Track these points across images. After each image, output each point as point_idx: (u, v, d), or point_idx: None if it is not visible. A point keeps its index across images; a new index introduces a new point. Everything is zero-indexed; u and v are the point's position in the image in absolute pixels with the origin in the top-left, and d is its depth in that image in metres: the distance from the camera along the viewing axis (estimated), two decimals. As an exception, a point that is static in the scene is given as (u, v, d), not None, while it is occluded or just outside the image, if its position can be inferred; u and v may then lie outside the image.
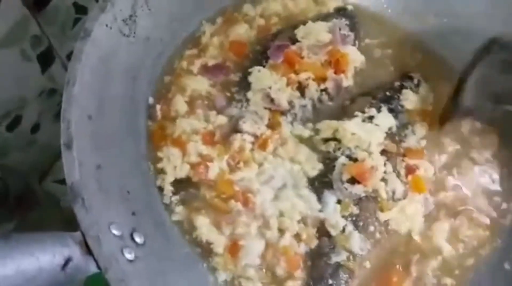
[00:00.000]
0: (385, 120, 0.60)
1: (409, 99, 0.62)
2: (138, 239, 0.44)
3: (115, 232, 0.42)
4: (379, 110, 0.60)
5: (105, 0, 0.51)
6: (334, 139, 0.58)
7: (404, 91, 0.63)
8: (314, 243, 0.53)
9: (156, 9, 0.57)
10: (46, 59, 0.67)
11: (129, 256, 0.41)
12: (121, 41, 0.53)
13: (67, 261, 0.34)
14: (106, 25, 0.51)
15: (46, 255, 0.33)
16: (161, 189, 0.54)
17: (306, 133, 0.59)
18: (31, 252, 0.32)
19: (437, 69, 0.68)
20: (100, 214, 0.41)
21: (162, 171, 0.54)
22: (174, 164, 0.54)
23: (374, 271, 0.54)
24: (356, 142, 0.57)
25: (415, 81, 0.65)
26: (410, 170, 0.58)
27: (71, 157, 0.42)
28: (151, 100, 0.58)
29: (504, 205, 0.60)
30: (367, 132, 0.58)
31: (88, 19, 0.49)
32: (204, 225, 0.52)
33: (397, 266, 0.55)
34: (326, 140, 0.58)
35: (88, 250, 0.38)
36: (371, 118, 0.60)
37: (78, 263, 0.35)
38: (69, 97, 0.45)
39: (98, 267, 0.38)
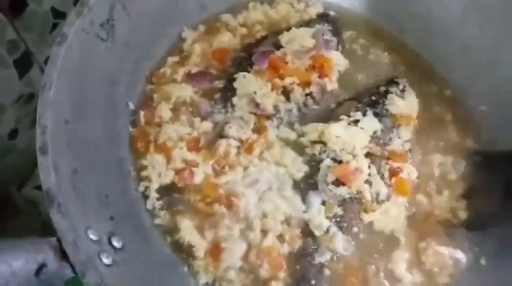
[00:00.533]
0: (370, 123, 0.61)
1: (394, 104, 0.63)
2: (116, 244, 0.44)
3: (92, 236, 0.41)
4: (364, 114, 0.61)
5: (82, 5, 0.51)
6: (320, 142, 0.59)
7: (389, 95, 0.64)
8: (298, 243, 0.54)
9: (135, 14, 0.57)
10: (23, 65, 0.66)
11: (106, 260, 0.41)
12: (99, 45, 0.53)
13: (41, 266, 0.33)
14: (83, 30, 0.50)
15: (19, 261, 0.32)
16: (144, 195, 0.54)
17: (292, 136, 0.60)
18: (4, 258, 0.31)
19: (422, 73, 0.69)
20: (77, 219, 0.41)
21: (146, 178, 0.55)
22: (159, 171, 0.55)
23: (358, 271, 0.55)
24: (341, 144, 0.58)
25: (401, 86, 0.66)
26: (394, 172, 0.59)
27: (47, 162, 0.41)
28: (131, 105, 0.58)
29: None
30: (352, 135, 0.59)
31: (65, 24, 0.49)
32: (187, 228, 0.52)
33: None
34: (312, 143, 0.59)
35: (64, 255, 0.38)
36: (356, 121, 0.60)
37: (53, 268, 0.35)
38: (45, 101, 0.44)
39: (75, 272, 0.37)
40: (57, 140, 0.44)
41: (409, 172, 0.60)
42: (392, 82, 0.66)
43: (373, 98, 0.63)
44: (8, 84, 0.65)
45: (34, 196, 0.75)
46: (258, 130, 0.58)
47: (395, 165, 0.59)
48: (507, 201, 0.56)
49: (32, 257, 0.33)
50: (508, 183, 0.57)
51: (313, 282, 0.52)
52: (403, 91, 0.65)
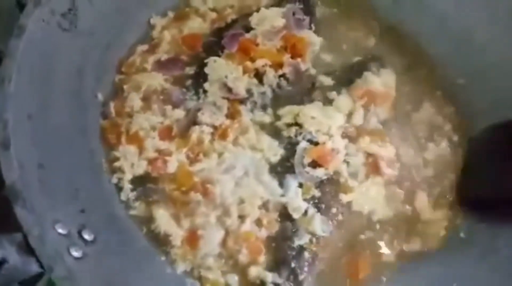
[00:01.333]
0: (345, 102, 0.60)
1: (370, 81, 0.62)
2: (87, 236, 0.43)
3: (60, 230, 0.41)
4: (339, 93, 0.60)
5: (40, -6, 0.50)
6: (296, 124, 0.58)
7: (364, 73, 0.63)
8: (276, 227, 0.53)
9: (98, 2, 0.56)
10: (-9, 61, 0.65)
11: (76, 254, 0.40)
12: (61, 36, 0.51)
13: (1, 263, 0.32)
14: (43, 20, 0.49)
15: (-24, 257, 0.32)
16: (118, 187, 0.53)
17: (267, 119, 0.59)
18: (-41, 255, 0.31)
19: (398, 48, 0.68)
20: (44, 214, 0.40)
21: (119, 170, 0.54)
22: (131, 162, 0.54)
23: (340, 252, 0.55)
24: (316, 125, 0.57)
25: (377, 63, 0.64)
26: (370, 152, 0.58)
27: (9, 157, 0.40)
28: (100, 96, 0.57)
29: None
30: (327, 115, 0.58)
31: (22, 15, 0.48)
32: (162, 217, 0.52)
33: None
34: (288, 125, 0.58)
35: (30, 250, 0.37)
36: (331, 101, 0.59)
37: (15, 264, 0.34)
38: (4, 96, 0.43)
39: (42, 266, 0.37)
40: (20, 135, 0.42)
41: (387, 150, 0.59)
42: (368, 59, 0.65)
43: (348, 76, 0.62)
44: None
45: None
46: (232, 115, 0.57)
47: (373, 144, 0.58)
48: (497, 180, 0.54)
49: (-10, 253, 0.33)
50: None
51: (293, 265, 0.52)
52: (379, 68, 0.64)
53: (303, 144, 0.56)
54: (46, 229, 0.39)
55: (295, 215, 0.54)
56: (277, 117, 0.59)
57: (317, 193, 0.55)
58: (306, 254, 0.53)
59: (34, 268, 0.36)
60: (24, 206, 0.39)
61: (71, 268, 0.38)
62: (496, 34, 0.63)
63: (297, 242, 0.53)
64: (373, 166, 0.58)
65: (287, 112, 0.59)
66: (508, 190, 0.52)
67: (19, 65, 0.45)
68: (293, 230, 0.53)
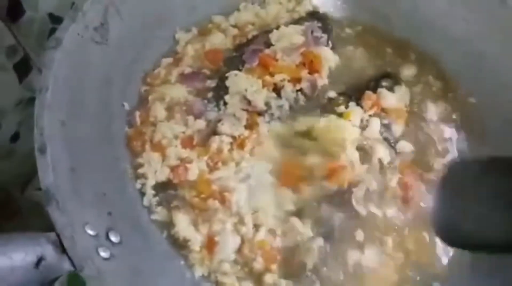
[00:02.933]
0: (355, 112, 0.61)
1: (384, 98, 0.64)
2: (114, 238, 0.45)
3: (90, 232, 0.43)
4: (346, 107, 0.62)
5: (76, 10, 0.53)
6: (310, 137, 0.60)
7: (379, 90, 0.65)
8: (290, 237, 0.55)
9: (128, 17, 0.59)
10: (23, 69, 0.68)
11: (104, 254, 0.43)
12: (94, 48, 0.55)
13: (40, 259, 0.35)
14: (78, 34, 0.52)
15: (19, 253, 0.34)
16: (141, 192, 0.56)
17: (283, 131, 0.61)
18: (4, 251, 0.33)
19: (413, 66, 0.70)
20: (75, 215, 0.43)
21: (142, 176, 0.56)
22: (155, 169, 0.56)
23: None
24: (331, 139, 0.59)
25: (391, 80, 0.67)
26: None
27: (45, 161, 0.43)
28: (126, 105, 0.60)
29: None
30: (341, 128, 0.60)
31: (59, 29, 0.51)
32: (182, 223, 0.54)
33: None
34: (302, 138, 0.60)
35: (64, 250, 0.39)
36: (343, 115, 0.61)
37: (52, 261, 0.37)
38: (42, 104, 0.46)
39: (73, 265, 0.39)
40: (54, 140, 0.45)
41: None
42: (382, 75, 0.67)
43: (362, 92, 0.64)
44: (8, 88, 0.67)
45: (37, 198, 0.77)
46: (250, 126, 0.60)
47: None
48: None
49: (31, 250, 0.35)
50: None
51: (308, 274, 0.53)
52: (393, 84, 0.67)
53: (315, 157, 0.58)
54: (77, 230, 0.42)
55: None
56: (293, 130, 0.61)
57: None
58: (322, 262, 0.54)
59: (67, 267, 0.38)
60: (57, 207, 0.41)
61: (100, 268, 0.41)
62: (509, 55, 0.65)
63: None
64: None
65: (302, 125, 0.61)
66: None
67: (55, 75, 0.48)
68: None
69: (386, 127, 0.63)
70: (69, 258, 0.39)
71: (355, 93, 0.65)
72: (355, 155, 0.58)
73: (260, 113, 0.61)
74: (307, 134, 0.61)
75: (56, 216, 0.41)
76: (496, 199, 0.47)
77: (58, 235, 0.40)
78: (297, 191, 0.56)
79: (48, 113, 0.46)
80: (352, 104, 0.63)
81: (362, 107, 0.63)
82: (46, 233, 0.39)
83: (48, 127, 0.45)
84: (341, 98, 0.64)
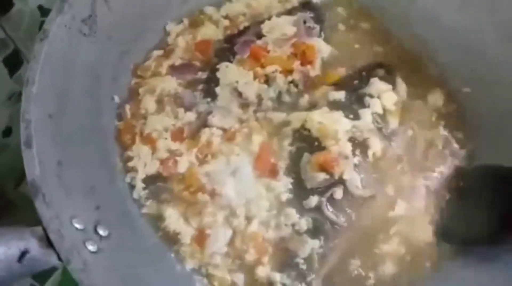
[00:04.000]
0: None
1: (376, 88, 0.63)
2: (102, 232, 0.45)
3: (77, 225, 0.43)
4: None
5: (63, 0, 0.52)
6: (303, 129, 0.59)
7: (371, 79, 0.64)
8: (283, 229, 0.55)
9: (117, 8, 0.58)
10: (13, 63, 0.68)
11: (91, 248, 0.42)
12: (82, 41, 0.54)
13: (23, 253, 0.35)
14: (65, 26, 0.51)
15: (1, 247, 0.34)
16: (131, 185, 0.55)
17: (275, 124, 0.60)
18: (-15, 245, 0.33)
19: (406, 56, 0.69)
20: (62, 209, 0.42)
21: (132, 169, 0.56)
22: (144, 161, 0.56)
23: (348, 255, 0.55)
24: (324, 131, 0.58)
25: (384, 70, 0.65)
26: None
27: (31, 155, 0.43)
28: (116, 98, 0.60)
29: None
30: (333, 120, 0.59)
31: (46, 21, 0.50)
32: (172, 216, 0.54)
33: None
34: (295, 131, 0.60)
35: (50, 243, 0.39)
36: (337, 106, 0.60)
37: (36, 255, 0.36)
38: (28, 97, 0.46)
39: (59, 259, 0.39)
40: (41, 134, 0.45)
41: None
42: (375, 66, 0.66)
43: (355, 82, 0.64)
44: (-2, 82, 0.67)
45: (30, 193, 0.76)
46: (241, 119, 0.59)
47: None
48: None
49: (14, 244, 0.35)
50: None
51: (301, 266, 0.53)
52: (387, 74, 0.66)
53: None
54: (64, 224, 0.42)
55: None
56: (286, 123, 0.61)
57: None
58: (315, 256, 0.54)
59: (53, 260, 0.38)
60: (43, 201, 0.41)
61: (87, 261, 0.40)
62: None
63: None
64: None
65: (295, 118, 0.60)
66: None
67: (42, 67, 0.48)
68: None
69: (381, 117, 0.62)
70: (56, 252, 0.39)
71: (348, 83, 0.64)
72: (348, 147, 0.58)
73: (251, 106, 0.61)
74: (301, 126, 0.60)
75: (42, 210, 0.41)
76: (492, 203, 0.52)
77: (44, 229, 0.40)
78: (274, 179, 0.56)
79: (34, 106, 0.46)
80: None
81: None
82: (32, 227, 0.39)
83: (34, 120, 0.45)
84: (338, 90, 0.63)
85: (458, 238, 0.56)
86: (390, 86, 0.64)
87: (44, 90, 0.47)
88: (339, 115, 0.59)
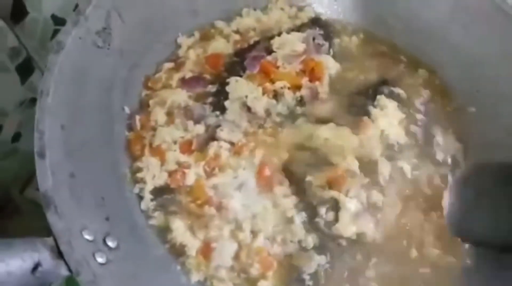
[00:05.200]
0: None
1: (382, 105, 0.64)
2: (111, 243, 0.46)
3: (87, 237, 0.44)
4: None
5: (79, 13, 0.53)
6: (310, 144, 0.60)
7: (378, 97, 0.65)
8: (289, 244, 0.55)
9: (130, 21, 0.59)
10: (25, 70, 0.69)
11: (101, 259, 0.43)
12: (95, 53, 0.55)
13: (37, 265, 0.35)
14: (80, 38, 0.53)
15: (15, 259, 0.34)
16: (140, 196, 0.56)
17: (283, 139, 0.61)
18: (1, 257, 0.34)
19: (413, 73, 0.70)
20: (73, 220, 0.43)
21: (141, 180, 0.56)
22: (153, 173, 0.57)
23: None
24: (330, 147, 0.59)
25: (390, 87, 0.66)
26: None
27: (44, 166, 0.44)
28: (127, 110, 0.60)
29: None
30: (340, 136, 0.60)
31: (61, 32, 0.52)
32: (179, 228, 0.54)
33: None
34: (303, 146, 0.60)
35: (61, 255, 0.40)
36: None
37: (48, 267, 0.37)
38: (42, 108, 0.47)
39: (70, 270, 0.39)
40: (54, 144, 0.46)
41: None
42: (381, 82, 0.67)
43: (363, 99, 0.64)
44: (11, 89, 0.68)
45: (36, 198, 0.77)
46: (249, 133, 0.60)
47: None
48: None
49: (28, 256, 0.36)
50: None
51: (307, 282, 0.53)
52: (393, 92, 0.66)
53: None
54: (75, 235, 0.42)
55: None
56: (293, 138, 0.61)
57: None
58: (321, 272, 0.54)
59: (63, 272, 0.39)
60: (55, 212, 0.42)
61: (96, 272, 0.41)
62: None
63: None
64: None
65: (301, 133, 0.61)
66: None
67: (56, 79, 0.49)
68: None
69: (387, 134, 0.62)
70: (66, 263, 0.39)
71: (355, 100, 0.65)
72: (355, 164, 0.58)
73: (259, 120, 0.62)
74: (307, 142, 0.61)
75: (54, 221, 0.41)
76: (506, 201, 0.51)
77: (55, 240, 0.40)
78: (276, 194, 0.56)
79: (48, 116, 0.47)
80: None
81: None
82: (43, 238, 0.39)
83: (48, 130, 0.46)
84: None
85: (473, 235, 0.55)
86: (395, 103, 0.65)
87: (58, 101, 0.48)
88: (346, 131, 0.60)
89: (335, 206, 0.56)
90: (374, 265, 0.55)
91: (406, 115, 0.65)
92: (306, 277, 0.53)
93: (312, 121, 0.63)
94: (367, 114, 0.63)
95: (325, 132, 0.60)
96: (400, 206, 0.59)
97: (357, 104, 0.65)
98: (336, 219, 0.55)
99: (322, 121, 0.62)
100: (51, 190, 0.43)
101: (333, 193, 0.56)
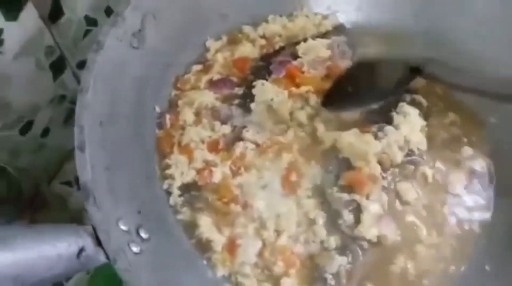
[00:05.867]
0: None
1: (406, 112, 0.64)
2: (143, 235, 0.48)
3: (122, 227, 0.46)
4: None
5: (116, 15, 0.56)
6: (334, 149, 0.61)
7: (400, 104, 0.65)
8: (312, 244, 0.56)
9: (163, 24, 0.62)
10: (58, 68, 0.71)
11: (135, 249, 0.45)
12: (131, 53, 0.57)
13: (81, 250, 0.38)
14: (117, 38, 0.55)
15: (63, 243, 0.37)
16: (168, 192, 0.58)
17: (307, 143, 0.62)
18: (50, 240, 0.36)
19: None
20: (109, 211, 0.45)
21: (170, 177, 0.59)
22: (182, 170, 0.59)
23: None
24: (354, 151, 0.59)
25: (413, 95, 0.67)
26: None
27: (84, 159, 0.46)
28: (157, 109, 0.63)
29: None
30: (364, 142, 0.60)
31: (101, 33, 0.54)
32: (206, 224, 0.56)
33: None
34: (326, 150, 0.61)
35: (98, 242, 0.42)
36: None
37: (90, 253, 0.39)
38: (82, 104, 0.49)
39: (107, 258, 0.41)
40: (92, 139, 0.48)
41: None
42: (405, 91, 0.67)
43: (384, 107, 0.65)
44: (43, 86, 0.71)
45: (61, 191, 0.80)
46: (273, 135, 0.62)
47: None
48: None
49: (73, 241, 0.38)
50: None
51: (329, 281, 0.54)
52: (414, 100, 0.67)
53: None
54: (111, 225, 0.44)
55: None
56: (317, 142, 0.62)
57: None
58: (343, 272, 0.55)
59: (102, 259, 0.41)
60: (94, 203, 0.44)
61: (131, 261, 0.43)
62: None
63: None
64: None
65: (327, 138, 0.62)
66: None
67: (95, 77, 0.51)
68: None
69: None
70: (104, 251, 0.41)
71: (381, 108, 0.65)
72: (377, 169, 0.59)
73: (284, 123, 0.63)
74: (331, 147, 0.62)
75: (93, 211, 0.43)
76: None
77: (94, 229, 0.42)
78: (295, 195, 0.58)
79: (87, 113, 0.49)
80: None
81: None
82: (84, 226, 0.41)
83: (87, 126, 0.48)
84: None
85: None
86: (417, 111, 0.65)
87: (96, 98, 0.51)
88: (369, 136, 0.61)
89: (357, 209, 0.57)
90: (394, 266, 0.56)
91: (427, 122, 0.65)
92: (328, 276, 0.54)
93: (336, 127, 0.64)
94: (390, 120, 0.64)
95: (349, 137, 0.61)
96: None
97: (380, 110, 0.65)
98: (358, 221, 0.56)
99: (346, 126, 0.63)
100: (90, 182, 0.45)
101: (355, 196, 0.57)
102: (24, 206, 0.67)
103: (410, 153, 0.62)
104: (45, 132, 0.75)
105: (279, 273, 0.54)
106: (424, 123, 0.65)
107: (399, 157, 0.61)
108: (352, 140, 0.60)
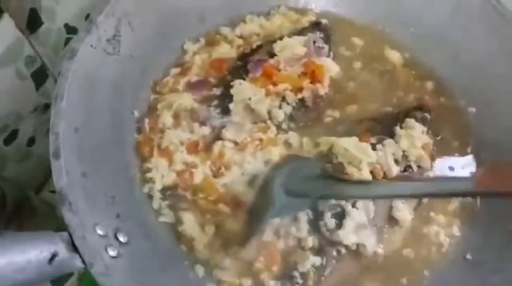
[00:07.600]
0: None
1: (411, 127, 0.63)
2: (121, 238, 0.48)
3: (99, 232, 0.46)
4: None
5: (91, 22, 0.57)
6: (327, 154, 0.61)
7: (407, 119, 0.64)
8: (290, 239, 0.56)
9: (139, 29, 0.63)
10: (40, 77, 0.72)
11: (112, 253, 0.46)
12: (106, 59, 0.58)
13: (53, 256, 0.38)
14: (91, 45, 0.56)
15: (35, 250, 0.37)
16: (149, 195, 0.58)
17: (290, 140, 0.63)
18: (21, 247, 0.37)
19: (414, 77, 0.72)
20: (86, 216, 0.46)
21: (150, 180, 0.59)
22: (162, 173, 0.59)
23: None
24: (348, 158, 0.59)
25: (423, 112, 0.66)
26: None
27: (59, 165, 0.46)
28: (136, 113, 0.63)
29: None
30: (360, 150, 0.59)
31: (74, 40, 0.55)
32: (188, 222, 0.57)
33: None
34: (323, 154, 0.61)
35: (75, 248, 0.42)
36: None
37: (64, 258, 0.40)
38: (57, 111, 0.50)
39: (84, 262, 0.42)
40: (68, 146, 0.49)
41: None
42: (415, 108, 0.67)
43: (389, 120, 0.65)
44: (26, 95, 0.71)
45: (50, 199, 0.80)
46: (253, 133, 0.62)
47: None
48: None
49: (46, 247, 0.38)
50: None
51: (298, 280, 0.54)
52: (425, 117, 0.66)
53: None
54: (88, 230, 0.45)
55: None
56: (300, 142, 0.63)
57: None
58: (312, 273, 0.55)
59: (78, 263, 0.41)
60: (70, 209, 0.45)
61: (108, 265, 0.44)
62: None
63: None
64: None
65: (324, 142, 0.62)
66: None
67: (69, 84, 0.52)
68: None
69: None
70: (80, 256, 0.42)
71: (386, 122, 0.65)
72: (368, 178, 0.58)
73: (263, 121, 0.64)
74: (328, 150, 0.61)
75: (68, 216, 0.44)
76: None
77: (70, 234, 0.43)
78: None
79: (62, 120, 0.50)
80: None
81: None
82: (59, 232, 0.42)
83: (62, 133, 0.49)
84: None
85: None
86: (423, 127, 0.64)
87: (72, 105, 0.51)
88: (367, 146, 0.60)
89: (342, 214, 0.56)
90: (366, 281, 0.56)
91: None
92: (297, 274, 0.54)
93: (314, 121, 0.65)
94: (392, 134, 0.63)
95: (347, 144, 0.60)
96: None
97: (384, 123, 0.65)
98: (339, 226, 0.56)
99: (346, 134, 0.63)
100: (65, 188, 0.45)
101: (341, 202, 0.57)
102: (10, 214, 0.68)
103: (407, 168, 0.62)
104: (31, 141, 0.76)
105: (259, 268, 0.54)
106: (430, 141, 0.64)
107: (394, 170, 0.60)
108: (349, 147, 0.59)
